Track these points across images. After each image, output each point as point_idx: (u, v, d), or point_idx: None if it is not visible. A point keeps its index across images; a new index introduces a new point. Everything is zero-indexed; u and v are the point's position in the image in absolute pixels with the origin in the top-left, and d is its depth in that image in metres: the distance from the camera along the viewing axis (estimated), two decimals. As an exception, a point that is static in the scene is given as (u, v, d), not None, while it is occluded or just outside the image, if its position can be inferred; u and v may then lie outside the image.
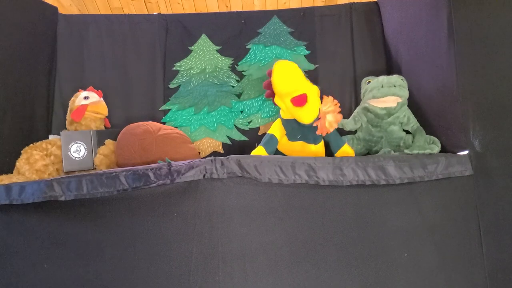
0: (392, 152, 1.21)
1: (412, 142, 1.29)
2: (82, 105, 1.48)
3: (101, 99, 1.56)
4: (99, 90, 1.58)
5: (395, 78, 1.32)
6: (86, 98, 1.50)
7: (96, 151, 1.38)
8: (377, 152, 1.35)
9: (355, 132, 1.45)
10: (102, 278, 0.97)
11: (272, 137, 1.27)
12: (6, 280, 0.97)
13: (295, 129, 1.27)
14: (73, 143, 1.35)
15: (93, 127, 1.49)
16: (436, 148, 1.15)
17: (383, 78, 1.33)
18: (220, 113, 1.68)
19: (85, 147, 1.36)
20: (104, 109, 1.54)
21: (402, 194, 1.03)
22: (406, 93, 1.30)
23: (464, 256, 1.01)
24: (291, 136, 1.29)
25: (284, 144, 1.30)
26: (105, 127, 1.58)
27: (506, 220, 1.01)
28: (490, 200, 1.03)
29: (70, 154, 1.34)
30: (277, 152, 1.32)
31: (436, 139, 1.20)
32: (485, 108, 1.05)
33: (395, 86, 1.29)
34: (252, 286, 0.95)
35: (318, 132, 1.22)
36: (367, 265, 0.98)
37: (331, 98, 1.22)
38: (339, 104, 1.21)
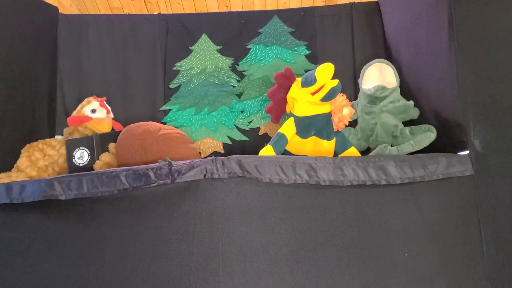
0: (389, 147, 1.24)
1: (410, 132, 1.29)
2: (85, 116, 1.45)
3: (109, 115, 1.52)
4: (108, 108, 1.53)
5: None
6: (93, 111, 1.46)
7: (98, 155, 1.36)
8: (375, 141, 1.37)
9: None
10: (102, 278, 0.96)
11: (282, 136, 1.27)
12: (6, 280, 0.97)
13: (310, 125, 1.27)
14: (77, 149, 1.33)
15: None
16: (432, 135, 1.19)
17: None
18: (220, 113, 1.68)
19: (88, 152, 1.34)
20: (106, 127, 1.50)
21: (402, 194, 1.03)
22: (393, 69, 1.47)
23: (465, 256, 1.01)
24: (304, 133, 1.28)
25: (295, 142, 1.30)
26: (113, 128, 1.55)
27: (506, 220, 1.01)
28: (491, 200, 1.02)
29: (74, 161, 1.31)
30: (286, 152, 1.31)
31: (431, 126, 1.22)
32: (485, 108, 1.05)
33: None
34: (252, 286, 0.95)
35: (334, 127, 1.25)
36: (368, 265, 0.98)
37: (341, 93, 1.26)
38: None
